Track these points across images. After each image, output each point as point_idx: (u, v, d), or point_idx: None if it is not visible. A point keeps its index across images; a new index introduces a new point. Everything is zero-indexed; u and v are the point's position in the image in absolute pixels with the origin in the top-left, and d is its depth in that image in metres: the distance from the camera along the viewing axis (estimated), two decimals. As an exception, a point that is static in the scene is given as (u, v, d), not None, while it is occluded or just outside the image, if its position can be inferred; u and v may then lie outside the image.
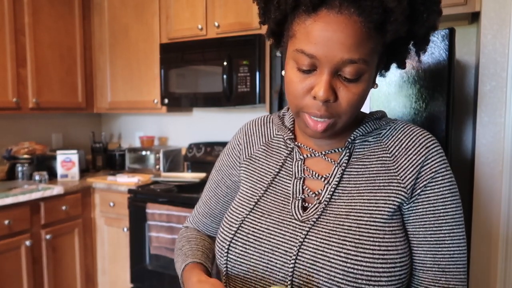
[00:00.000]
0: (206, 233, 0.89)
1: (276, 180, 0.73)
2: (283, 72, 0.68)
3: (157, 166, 2.75)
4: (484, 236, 1.61)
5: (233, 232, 0.70)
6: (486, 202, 1.60)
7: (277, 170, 0.74)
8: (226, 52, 2.31)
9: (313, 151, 0.72)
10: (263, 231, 0.68)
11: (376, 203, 0.64)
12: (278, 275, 0.65)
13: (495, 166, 1.58)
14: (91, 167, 3.07)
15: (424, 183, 0.65)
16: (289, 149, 0.75)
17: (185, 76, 2.50)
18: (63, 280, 2.49)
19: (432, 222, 0.65)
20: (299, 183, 0.70)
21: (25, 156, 2.59)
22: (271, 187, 0.73)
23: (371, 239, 0.62)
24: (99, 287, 2.71)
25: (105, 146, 3.09)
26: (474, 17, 1.94)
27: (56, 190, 2.37)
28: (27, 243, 2.23)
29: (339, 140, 0.71)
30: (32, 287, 2.28)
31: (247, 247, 0.68)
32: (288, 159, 0.74)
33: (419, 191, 0.65)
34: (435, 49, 1.52)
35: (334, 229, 0.63)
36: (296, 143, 0.74)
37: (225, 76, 2.31)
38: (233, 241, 0.69)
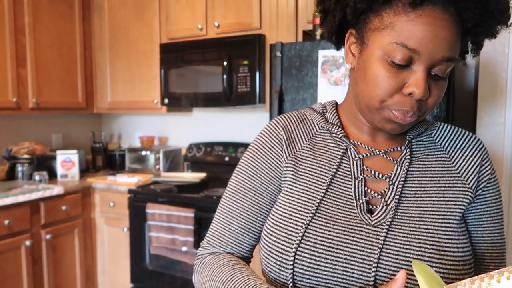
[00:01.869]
0: (243, 254, 0.75)
1: (334, 181, 0.67)
2: (348, 66, 0.66)
3: (157, 166, 2.75)
4: (484, 236, 1.61)
5: (297, 242, 0.63)
6: (486, 202, 1.60)
7: (334, 170, 0.67)
8: (226, 52, 2.31)
9: (372, 149, 0.68)
10: (334, 239, 0.62)
11: (446, 204, 0.65)
12: (357, 285, 0.60)
13: (495, 166, 1.58)
14: (91, 167, 3.07)
15: (484, 183, 0.69)
16: (342, 147, 0.69)
17: (185, 76, 2.50)
18: (63, 280, 2.49)
19: (495, 213, 0.71)
20: (361, 184, 0.66)
21: (25, 156, 2.59)
22: (330, 190, 0.66)
23: (450, 241, 0.62)
24: (99, 287, 2.71)
25: (105, 146, 3.09)
26: (474, 17, 1.94)
27: (56, 190, 2.37)
28: (27, 243, 2.23)
29: (396, 139, 0.70)
30: (32, 287, 2.28)
31: (317, 258, 0.62)
32: (345, 158, 0.68)
33: (480, 191, 0.68)
34: (435, 49, 1.52)
35: (412, 233, 0.61)
36: (351, 141, 0.69)
37: (225, 76, 2.31)
38: (299, 252, 0.62)
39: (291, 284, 0.63)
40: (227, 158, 2.63)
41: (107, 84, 2.92)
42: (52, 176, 2.63)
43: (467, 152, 0.69)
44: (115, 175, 2.66)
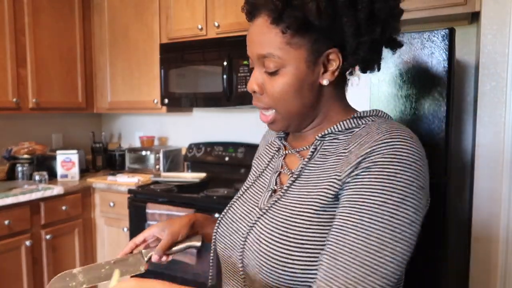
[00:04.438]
0: None
1: (263, 174, 0.81)
2: None
3: (157, 166, 2.75)
4: (484, 236, 1.61)
5: (221, 216, 0.81)
6: (486, 202, 1.60)
7: (265, 166, 0.83)
8: (226, 52, 2.31)
9: (291, 149, 0.79)
10: (236, 216, 0.78)
11: (314, 194, 0.66)
12: (234, 255, 0.73)
13: (495, 166, 1.58)
14: (91, 167, 3.07)
15: (358, 171, 0.61)
16: (277, 147, 0.83)
17: (185, 76, 2.50)
18: (63, 280, 2.49)
19: (350, 208, 0.59)
20: (275, 176, 0.77)
21: (25, 156, 2.59)
22: (258, 180, 0.81)
23: (297, 227, 0.64)
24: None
25: (105, 146, 3.09)
26: (474, 17, 1.94)
27: (56, 190, 2.37)
28: (27, 243, 2.23)
29: (308, 139, 0.76)
30: (32, 287, 2.28)
31: (225, 229, 0.78)
32: (276, 155, 0.82)
33: (350, 179, 0.61)
34: (435, 49, 1.52)
35: (275, 218, 0.68)
36: (283, 142, 0.82)
37: (225, 76, 2.31)
38: (220, 223, 0.81)
39: (213, 246, 0.81)
40: (227, 158, 2.63)
41: (107, 84, 2.92)
42: (52, 176, 2.63)
43: (364, 146, 0.63)
44: (115, 175, 2.66)
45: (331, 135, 0.71)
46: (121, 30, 2.82)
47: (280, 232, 0.65)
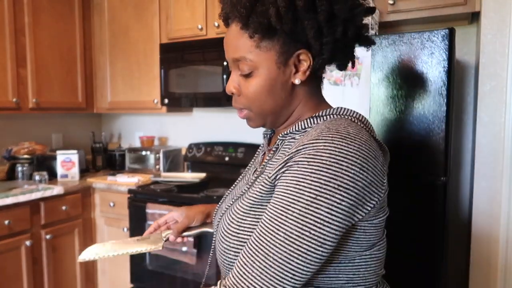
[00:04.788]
0: None
1: (248, 170, 0.88)
2: None
3: (157, 166, 2.75)
4: (484, 236, 1.61)
5: (217, 208, 0.88)
6: (486, 202, 1.60)
7: (252, 161, 0.90)
8: (226, 52, 2.31)
9: (267, 146, 0.85)
10: (220, 208, 0.84)
11: (251, 190, 0.72)
12: (215, 238, 0.80)
13: (495, 166, 1.58)
14: (91, 167, 3.07)
15: (284, 169, 0.64)
16: (264, 144, 0.89)
17: (185, 76, 2.50)
18: (63, 280, 2.49)
19: (270, 204, 0.63)
20: (252, 172, 0.83)
21: (25, 156, 2.59)
22: (244, 176, 0.87)
23: (237, 219, 0.71)
24: (99, 287, 2.71)
25: (105, 146, 3.09)
26: (474, 17, 1.94)
27: (56, 190, 2.37)
28: (27, 243, 2.23)
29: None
30: (32, 287, 2.28)
31: (215, 219, 0.84)
32: (260, 152, 0.89)
33: (278, 176, 0.65)
34: (435, 49, 1.52)
35: (233, 210, 0.74)
36: (266, 140, 0.87)
37: (225, 76, 2.31)
38: (215, 213, 0.87)
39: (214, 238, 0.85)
40: (227, 158, 2.63)
41: (107, 84, 2.92)
42: (52, 176, 2.62)
43: (295, 146, 0.65)
44: (115, 175, 2.66)
45: (290, 134, 0.74)
46: (121, 30, 2.82)
47: (228, 222, 0.73)
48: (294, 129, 0.74)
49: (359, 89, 1.65)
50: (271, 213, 0.61)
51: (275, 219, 0.60)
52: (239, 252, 0.68)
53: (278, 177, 0.65)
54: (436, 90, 1.53)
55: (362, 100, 1.64)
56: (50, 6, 2.62)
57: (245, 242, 0.67)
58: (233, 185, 0.89)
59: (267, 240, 0.60)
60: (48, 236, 2.34)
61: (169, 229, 1.02)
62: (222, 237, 0.73)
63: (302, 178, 0.59)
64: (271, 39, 0.68)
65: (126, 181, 2.55)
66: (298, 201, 0.59)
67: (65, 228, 2.47)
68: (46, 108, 2.64)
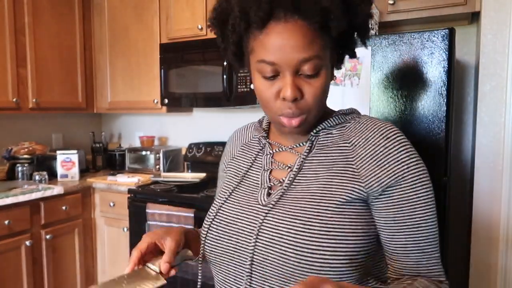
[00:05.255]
0: None
1: (248, 173, 0.81)
2: (252, 86, 0.77)
3: (157, 166, 2.75)
4: (484, 236, 1.61)
5: (210, 221, 0.78)
6: (486, 202, 1.60)
7: (249, 164, 0.82)
8: (226, 52, 2.31)
9: (282, 146, 0.79)
10: (233, 217, 0.76)
11: (330, 188, 0.69)
12: (242, 255, 0.72)
13: (495, 166, 1.58)
14: (91, 167, 3.07)
15: (389, 180, 0.68)
16: (261, 146, 0.84)
17: (185, 76, 2.50)
18: (63, 280, 2.49)
19: (407, 213, 0.69)
20: (267, 174, 0.78)
21: (25, 156, 2.59)
22: (244, 180, 0.81)
23: (321, 217, 0.67)
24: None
25: (105, 146, 3.09)
26: (474, 17, 1.94)
27: (56, 190, 2.37)
28: (27, 243, 2.23)
29: (302, 135, 0.78)
30: (32, 287, 2.28)
31: (221, 232, 0.76)
32: (260, 154, 0.83)
33: (385, 187, 0.69)
34: (435, 49, 1.52)
35: (289, 210, 0.69)
36: (268, 140, 0.82)
37: (225, 76, 2.31)
38: (210, 228, 0.77)
39: (202, 254, 0.78)
40: (227, 158, 2.63)
41: (107, 84, 2.92)
42: (52, 176, 2.62)
43: (370, 141, 0.70)
44: (115, 175, 2.66)
45: (325, 130, 0.76)
46: (121, 30, 2.82)
47: (303, 222, 0.67)
48: (327, 125, 0.75)
49: (359, 89, 1.65)
50: (423, 216, 0.69)
51: (429, 218, 0.70)
52: (337, 248, 0.66)
53: (385, 181, 0.68)
54: (436, 90, 1.53)
55: (362, 100, 1.64)
56: (50, 6, 2.62)
57: (341, 237, 0.66)
58: (225, 196, 0.80)
59: (433, 234, 0.70)
60: (48, 236, 2.34)
61: (154, 256, 0.76)
62: (297, 240, 0.66)
63: (422, 175, 0.70)
64: (328, 35, 0.67)
65: (126, 181, 2.55)
66: (429, 195, 0.70)
67: (65, 228, 2.47)
68: (46, 108, 2.64)
